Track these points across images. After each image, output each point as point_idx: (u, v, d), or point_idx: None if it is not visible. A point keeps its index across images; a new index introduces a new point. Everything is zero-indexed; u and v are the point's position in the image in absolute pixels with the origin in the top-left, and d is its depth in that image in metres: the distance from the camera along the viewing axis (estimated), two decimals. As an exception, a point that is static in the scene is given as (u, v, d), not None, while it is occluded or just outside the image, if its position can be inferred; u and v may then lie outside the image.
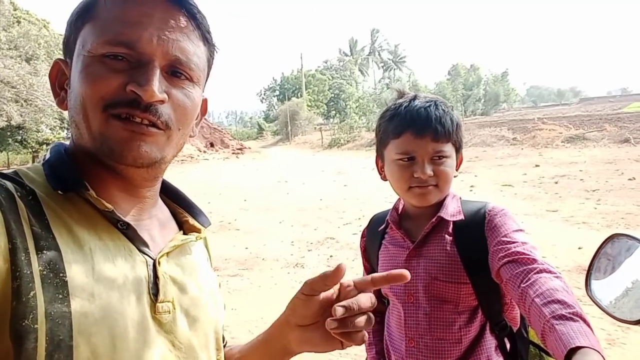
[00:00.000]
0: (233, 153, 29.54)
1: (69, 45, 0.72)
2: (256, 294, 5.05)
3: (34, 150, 26.27)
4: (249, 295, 5.05)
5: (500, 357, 1.23)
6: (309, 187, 13.23)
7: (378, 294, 1.43)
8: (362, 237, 1.50)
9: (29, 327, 0.55)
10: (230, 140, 32.82)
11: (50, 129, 24.29)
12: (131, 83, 0.65)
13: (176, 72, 0.70)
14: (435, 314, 1.22)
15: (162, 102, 0.67)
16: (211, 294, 0.82)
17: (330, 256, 6.35)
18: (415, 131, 1.19)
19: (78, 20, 0.70)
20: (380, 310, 1.45)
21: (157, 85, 0.66)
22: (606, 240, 0.94)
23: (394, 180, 1.26)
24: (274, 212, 9.81)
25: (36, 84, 20.17)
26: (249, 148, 32.57)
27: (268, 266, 6.11)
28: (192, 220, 0.85)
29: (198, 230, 0.84)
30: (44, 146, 26.67)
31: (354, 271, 5.52)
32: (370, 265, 1.45)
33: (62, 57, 0.75)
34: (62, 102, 0.75)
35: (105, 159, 0.68)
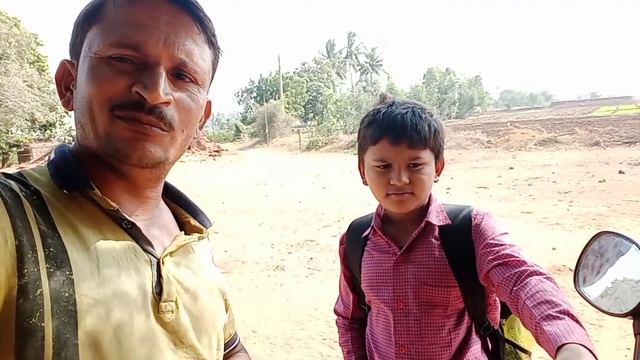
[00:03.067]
0: (210, 155, 29.24)
1: (75, 46, 0.72)
2: (236, 298, 5.02)
3: (4, 152, 25.56)
4: (229, 298, 5.01)
5: (485, 357, 1.25)
6: (288, 190, 13.20)
7: (357, 301, 1.43)
8: (341, 243, 1.47)
9: (36, 325, 0.55)
10: (206, 142, 32.46)
11: (21, 130, 23.69)
12: (136, 85, 0.65)
13: (181, 74, 0.71)
14: (425, 319, 1.22)
15: (167, 104, 0.68)
16: (213, 293, 0.83)
17: (311, 258, 6.36)
18: (391, 138, 1.18)
19: (85, 22, 0.70)
20: (358, 317, 1.45)
21: (162, 87, 0.66)
22: (593, 237, 0.98)
23: (373, 186, 1.26)
24: (253, 215, 9.77)
25: (6, 84, 19.65)
26: (226, 150, 32.30)
27: (248, 269, 6.08)
28: (193, 221, 0.86)
29: (200, 231, 0.85)
30: (14, 148, 25.97)
31: (334, 273, 5.54)
32: (351, 272, 1.43)
33: (68, 58, 0.75)
34: (67, 103, 0.75)
35: (110, 159, 0.68)
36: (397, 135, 1.18)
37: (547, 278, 0.98)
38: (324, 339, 3.92)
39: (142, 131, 0.67)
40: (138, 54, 0.66)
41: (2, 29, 21.49)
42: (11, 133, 24.08)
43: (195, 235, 0.83)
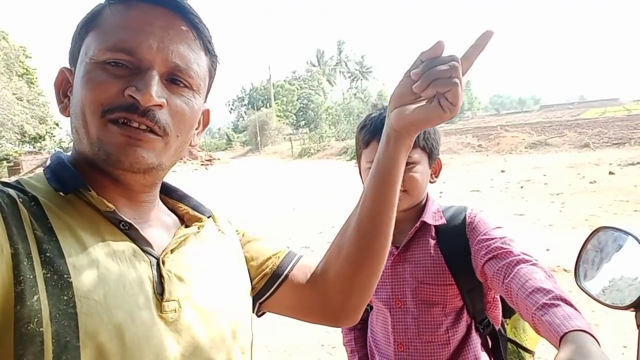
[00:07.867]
0: (202, 164, 29.22)
1: (73, 53, 0.73)
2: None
3: (-7, 165, 25.32)
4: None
5: (485, 354, 1.27)
6: (281, 197, 13.19)
7: None
8: None
9: (35, 330, 0.55)
10: (198, 151, 32.43)
11: (10, 144, 23.51)
12: (129, 87, 0.66)
13: (175, 79, 0.71)
14: (423, 318, 1.24)
15: (160, 107, 0.68)
16: (224, 277, 0.81)
17: (306, 265, 6.34)
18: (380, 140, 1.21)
19: (82, 30, 0.71)
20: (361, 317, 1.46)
21: (155, 89, 0.66)
22: (593, 233, 1.00)
23: None
24: (247, 222, 9.73)
25: (-5, 97, 19.51)
26: (218, 159, 32.27)
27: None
28: (192, 212, 0.85)
29: (200, 220, 0.84)
30: (4, 162, 25.73)
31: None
32: None
33: (67, 66, 0.76)
34: (65, 109, 0.75)
35: (103, 164, 0.68)
36: None
37: (533, 264, 1.01)
38: (322, 345, 3.91)
39: (134, 136, 0.67)
40: (132, 58, 0.67)
41: (-9, 42, 21.40)
42: (1, 146, 23.88)
43: (195, 226, 0.82)
